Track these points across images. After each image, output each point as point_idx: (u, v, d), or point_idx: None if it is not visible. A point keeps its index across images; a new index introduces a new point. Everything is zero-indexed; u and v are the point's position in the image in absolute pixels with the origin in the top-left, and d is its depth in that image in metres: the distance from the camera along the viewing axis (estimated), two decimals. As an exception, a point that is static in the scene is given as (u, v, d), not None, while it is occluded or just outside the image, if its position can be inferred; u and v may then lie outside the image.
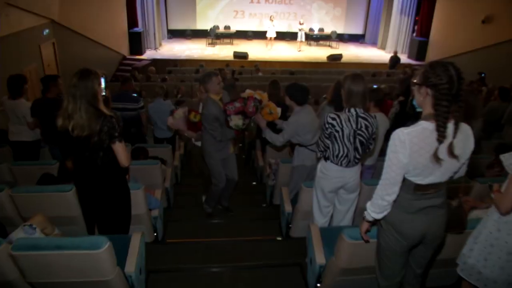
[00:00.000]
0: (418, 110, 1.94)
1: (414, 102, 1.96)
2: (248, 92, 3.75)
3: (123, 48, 14.16)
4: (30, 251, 2.04)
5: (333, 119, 2.71)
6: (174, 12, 17.44)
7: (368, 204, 2.06)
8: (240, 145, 6.82)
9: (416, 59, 15.06)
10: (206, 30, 16.78)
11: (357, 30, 18.73)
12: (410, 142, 1.80)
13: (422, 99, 1.86)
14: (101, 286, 2.24)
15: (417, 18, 15.74)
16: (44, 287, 2.26)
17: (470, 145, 1.88)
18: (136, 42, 14.54)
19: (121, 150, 2.53)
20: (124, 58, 14.13)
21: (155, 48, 15.46)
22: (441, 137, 1.77)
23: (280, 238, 3.76)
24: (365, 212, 2.08)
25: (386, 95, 6.56)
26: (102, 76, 2.53)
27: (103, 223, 2.78)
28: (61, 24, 9.73)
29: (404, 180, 1.92)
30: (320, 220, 3.13)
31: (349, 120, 2.71)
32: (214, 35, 16.55)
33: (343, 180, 2.92)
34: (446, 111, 1.75)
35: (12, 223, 2.96)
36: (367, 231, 2.17)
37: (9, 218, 3.00)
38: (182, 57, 14.55)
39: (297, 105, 3.63)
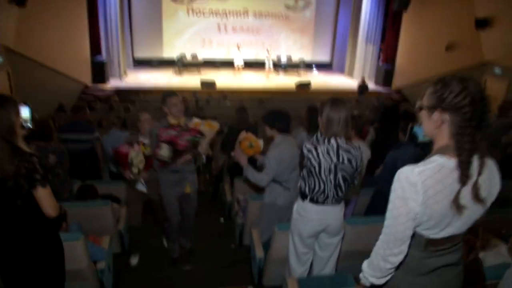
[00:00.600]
0: (422, 140, 1.56)
1: (416, 130, 1.59)
2: (195, 121, 3.39)
3: (85, 76, 13.56)
4: None
5: (309, 151, 2.35)
6: (140, 40, 17.07)
7: (365, 265, 1.60)
8: (207, 176, 6.37)
9: (383, 85, 15.24)
10: (173, 59, 16.47)
11: (325, 58, 18.95)
12: (424, 185, 1.36)
13: (435, 128, 1.42)
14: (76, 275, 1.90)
15: (381, 47, 16.04)
16: None
17: (497, 183, 1.47)
18: (99, 71, 13.93)
19: (45, 198, 2.05)
20: (86, 87, 13.53)
21: (120, 77, 14.94)
22: (465, 177, 1.35)
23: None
24: (361, 275, 1.62)
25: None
26: (23, 105, 2.09)
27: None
28: (16, 52, 9.16)
29: (413, 234, 1.47)
30: (298, 269, 2.69)
31: (328, 153, 2.34)
32: (181, 64, 16.24)
33: (324, 222, 2.53)
34: (471, 141, 1.34)
35: None
36: None
37: None
38: (148, 86, 14.11)
39: (279, 134, 3.23)
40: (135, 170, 3.37)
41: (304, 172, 2.46)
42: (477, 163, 1.38)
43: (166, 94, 3.38)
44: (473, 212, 1.43)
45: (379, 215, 3.52)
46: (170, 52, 17.24)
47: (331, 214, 2.52)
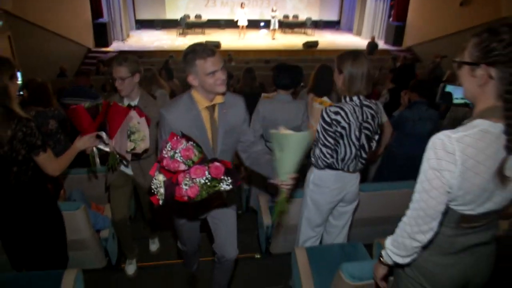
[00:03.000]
0: (460, 101, 1.36)
1: (449, 89, 1.41)
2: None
3: (88, 40, 13.31)
4: None
5: (337, 113, 2.14)
6: (141, 1, 16.61)
7: (388, 243, 1.41)
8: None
9: (393, 45, 14.77)
10: (177, 20, 16.05)
11: (333, 16, 18.33)
12: (463, 155, 1.18)
13: (478, 86, 1.22)
14: (80, 244, 2.14)
15: (391, 3, 15.44)
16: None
17: None
18: (102, 34, 13.66)
19: (47, 161, 1.98)
20: (89, 51, 13.30)
21: (123, 40, 14.66)
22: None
23: (259, 256, 3.27)
24: (383, 252, 1.45)
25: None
26: (17, 70, 1.99)
27: (29, 257, 2.19)
28: (17, 16, 8.93)
29: (445, 209, 1.29)
30: (310, 239, 2.60)
31: (354, 112, 2.16)
32: (184, 25, 15.84)
33: (344, 190, 2.40)
34: None
35: None
36: (385, 276, 1.52)
37: None
38: (151, 48, 13.84)
39: (277, 90, 3.16)
40: (130, 145, 2.30)
41: (330, 139, 2.20)
42: None
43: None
44: None
45: (386, 180, 3.47)
46: (173, 13, 16.77)
47: (351, 181, 2.39)
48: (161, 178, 1.71)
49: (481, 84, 1.21)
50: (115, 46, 14.02)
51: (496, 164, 1.19)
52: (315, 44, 14.50)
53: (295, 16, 17.30)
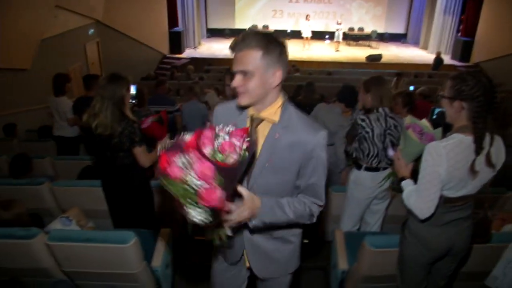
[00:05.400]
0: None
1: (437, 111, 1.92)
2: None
3: (163, 47, 14.53)
4: (63, 242, 2.18)
5: (363, 120, 2.78)
6: (213, 11, 17.67)
7: (406, 192, 1.95)
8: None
9: (460, 60, 14.43)
10: (245, 29, 16.80)
11: (399, 29, 18.22)
12: (447, 156, 1.73)
13: (455, 113, 1.79)
14: (128, 278, 2.34)
15: (462, 18, 15.11)
16: (77, 275, 2.39)
17: (503, 155, 1.84)
18: (176, 41, 14.87)
19: (141, 154, 2.65)
20: (164, 57, 14.50)
21: (194, 47, 15.76)
22: (479, 148, 1.72)
23: (306, 241, 3.73)
24: (403, 183, 2.00)
25: (426, 97, 6.41)
26: (132, 84, 2.65)
27: (128, 220, 2.89)
28: (105, 24, 10.15)
29: None
30: (350, 228, 3.13)
31: (378, 120, 2.77)
32: (252, 35, 16.57)
33: (378, 188, 2.90)
34: (484, 122, 1.71)
35: (51, 214, 3.15)
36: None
37: (48, 210, 3.19)
38: (220, 56, 14.73)
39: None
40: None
41: (358, 140, 2.85)
42: (488, 138, 1.75)
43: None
44: (484, 175, 1.80)
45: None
46: (242, 22, 17.68)
47: (384, 180, 2.83)
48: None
49: (457, 111, 1.78)
50: (188, 53, 15.13)
51: (469, 162, 1.74)
52: (378, 57, 14.59)
53: (360, 29, 17.46)
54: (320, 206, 1.62)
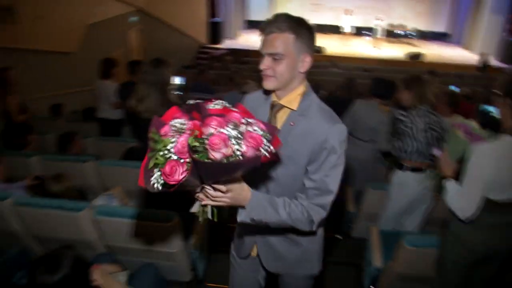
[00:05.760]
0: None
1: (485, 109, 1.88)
2: None
3: (202, 36, 14.69)
4: (109, 217, 2.29)
5: (404, 115, 2.80)
6: (252, 3, 17.73)
7: (449, 194, 1.93)
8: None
9: (507, 62, 13.79)
10: (283, 23, 16.79)
11: (441, 27, 17.65)
12: (493, 157, 1.71)
13: (506, 112, 1.75)
14: (167, 257, 2.44)
15: (510, 17, 14.41)
16: (118, 250, 2.50)
17: None
18: (215, 32, 15.02)
19: None
20: (202, 46, 14.66)
21: (232, 38, 15.84)
22: None
23: (340, 237, 3.74)
24: (446, 183, 1.98)
25: (469, 99, 6.23)
26: (181, 76, 2.70)
27: (167, 202, 2.94)
28: (147, 12, 10.37)
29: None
30: (387, 227, 3.10)
31: (419, 115, 2.77)
32: (290, 28, 16.51)
33: (419, 190, 2.87)
34: None
35: (94, 191, 3.29)
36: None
37: (92, 187, 3.34)
38: (257, 48, 14.64)
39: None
40: None
41: (396, 135, 2.85)
42: None
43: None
44: None
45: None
46: (280, 15, 17.55)
47: (425, 182, 2.83)
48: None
49: (509, 109, 1.74)
50: (225, 44, 15.26)
51: None
52: (418, 55, 14.20)
53: (402, 26, 17.02)
54: (321, 209, 1.45)
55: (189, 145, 1.09)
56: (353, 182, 3.82)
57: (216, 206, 1.31)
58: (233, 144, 1.11)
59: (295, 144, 1.44)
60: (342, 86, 5.50)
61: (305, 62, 1.43)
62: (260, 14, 17.81)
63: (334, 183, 1.44)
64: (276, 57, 1.39)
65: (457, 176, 1.95)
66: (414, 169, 2.85)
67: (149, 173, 1.14)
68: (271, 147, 1.16)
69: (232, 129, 1.13)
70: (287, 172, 1.49)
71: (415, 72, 4.08)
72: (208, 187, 1.22)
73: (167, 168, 1.09)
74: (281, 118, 1.50)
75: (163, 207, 2.95)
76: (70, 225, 2.36)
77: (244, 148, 1.12)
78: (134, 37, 10.23)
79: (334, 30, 16.93)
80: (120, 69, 4.98)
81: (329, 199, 1.45)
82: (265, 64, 1.41)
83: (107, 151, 4.22)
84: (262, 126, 1.20)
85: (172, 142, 1.11)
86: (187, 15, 13.06)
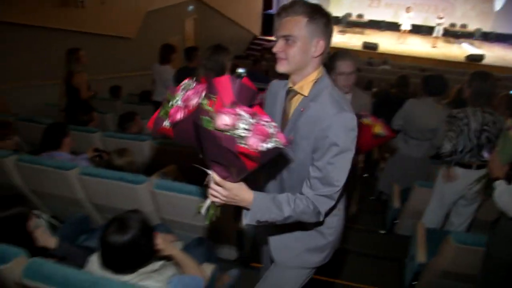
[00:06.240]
0: None
1: None
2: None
3: (256, 28, 14.83)
4: (166, 191, 2.42)
5: (460, 113, 2.72)
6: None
7: (498, 193, 1.89)
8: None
9: None
10: (338, 17, 16.56)
11: (508, 29, 16.63)
12: None
13: None
14: (217, 233, 2.54)
15: None
16: (172, 223, 2.62)
17: None
18: (269, 24, 15.08)
19: None
20: (255, 37, 14.78)
21: (285, 31, 15.82)
22: None
23: (383, 232, 3.73)
24: (496, 183, 1.94)
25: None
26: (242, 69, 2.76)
27: None
28: (203, 2, 10.61)
29: None
30: (432, 225, 3.06)
31: (475, 114, 2.68)
32: (345, 23, 16.29)
33: (466, 187, 2.80)
34: None
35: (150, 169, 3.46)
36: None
37: (147, 164, 3.53)
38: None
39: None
40: None
41: (452, 133, 2.75)
42: None
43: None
44: None
45: None
46: (336, 9, 17.25)
47: (474, 177, 2.72)
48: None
49: None
50: (277, 36, 15.22)
51: None
52: (480, 57, 13.52)
53: (463, 25, 16.24)
54: (327, 199, 1.42)
55: (200, 103, 1.19)
56: (403, 180, 3.77)
57: (216, 205, 1.37)
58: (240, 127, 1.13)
59: (303, 131, 1.44)
60: (394, 84, 5.35)
61: (319, 47, 1.42)
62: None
63: (338, 171, 1.40)
64: (288, 40, 1.40)
65: (508, 178, 1.88)
66: (463, 165, 2.81)
67: (159, 120, 1.29)
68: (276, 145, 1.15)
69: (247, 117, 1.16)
70: (297, 160, 1.50)
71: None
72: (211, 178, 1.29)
73: (172, 110, 1.24)
74: (294, 104, 1.51)
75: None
76: (129, 197, 2.53)
77: (249, 134, 1.13)
78: (189, 26, 10.50)
79: (391, 27, 16.44)
80: (176, 55, 5.15)
81: (334, 188, 1.41)
82: (278, 46, 1.43)
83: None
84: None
85: (180, 95, 1.27)
86: (242, 6, 13.23)
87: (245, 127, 1.13)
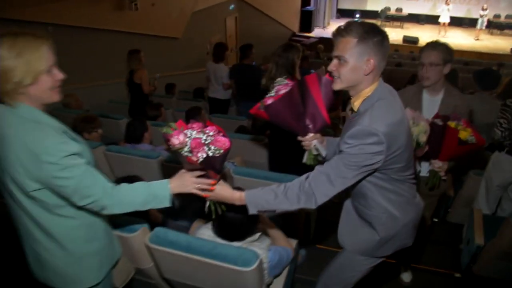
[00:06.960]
0: None
1: None
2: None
3: (294, 25, 14.98)
4: (243, 176, 2.65)
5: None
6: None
7: None
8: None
9: None
10: (377, 11, 16.44)
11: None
12: None
13: None
14: (285, 215, 2.74)
15: None
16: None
17: None
18: (306, 20, 15.24)
19: None
20: (294, 34, 14.93)
21: (323, 27, 15.91)
22: None
23: (436, 220, 3.83)
24: None
25: None
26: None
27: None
28: (244, 0, 10.92)
29: None
30: (482, 205, 3.17)
31: None
32: (384, 17, 16.14)
33: None
34: None
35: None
36: None
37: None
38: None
39: None
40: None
41: (503, 121, 2.85)
42: None
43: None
44: None
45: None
46: (374, 4, 17.19)
47: None
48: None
49: None
50: (316, 32, 15.40)
51: None
52: (526, 49, 13.09)
53: (509, 16, 15.71)
54: (325, 177, 1.50)
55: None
56: (458, 170, 3.88)
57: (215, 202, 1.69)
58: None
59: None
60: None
61: (369, 65, 1.48)
62: (353, 2, 17.61)
63: (345, 164, 1.48)
64: (340, 60, 1.51)
65: None
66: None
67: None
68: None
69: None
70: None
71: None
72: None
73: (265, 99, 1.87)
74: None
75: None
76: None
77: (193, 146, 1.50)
78: (230, 24, 10.81)
79: (430, 20, 16.15)
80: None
81: (337, 173, 1.49)
82: (332, 65, 1.55)
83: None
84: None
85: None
86: (281, 4, 13.42)
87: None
